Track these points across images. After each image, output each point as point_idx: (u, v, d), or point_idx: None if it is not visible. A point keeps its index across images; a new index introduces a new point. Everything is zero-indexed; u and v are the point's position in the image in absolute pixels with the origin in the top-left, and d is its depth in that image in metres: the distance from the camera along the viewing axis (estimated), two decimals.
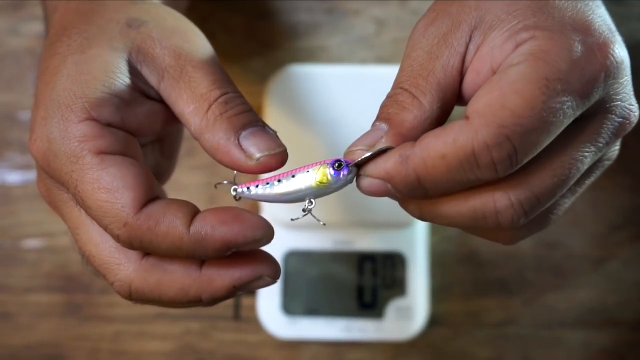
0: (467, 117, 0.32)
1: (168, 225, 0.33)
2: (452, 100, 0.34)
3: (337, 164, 0.34)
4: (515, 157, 0.31)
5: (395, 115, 0.33)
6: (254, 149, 0.34)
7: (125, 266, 0.35)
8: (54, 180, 0.36)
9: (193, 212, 0.33)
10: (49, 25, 0.40)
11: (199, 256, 0.33)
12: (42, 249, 0.61)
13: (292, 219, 0.36)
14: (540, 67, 0.31)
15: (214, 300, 0.35)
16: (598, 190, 0.59)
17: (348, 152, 0.34)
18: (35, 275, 0.60)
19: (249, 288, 0.35)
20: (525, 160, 0.32)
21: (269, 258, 0.35)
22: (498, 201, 0.33)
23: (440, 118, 0.34)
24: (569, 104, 0.31)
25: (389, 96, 0.34)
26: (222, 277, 0.34)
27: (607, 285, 0.59)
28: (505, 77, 0.31)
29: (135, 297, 0.35)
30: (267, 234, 0.33)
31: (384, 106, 0.34)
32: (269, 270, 0.35)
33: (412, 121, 0.33)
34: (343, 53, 0.62)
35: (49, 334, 0.60)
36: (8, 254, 0.61)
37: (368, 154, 0.33)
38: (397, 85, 0.34)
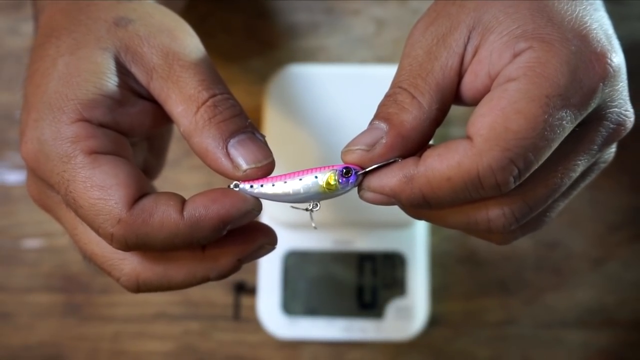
0: (469, 138, 0.32)
1: (162, 214, 0.33)
2: (450, 100, 0.34)
3: (345, 171, 0.34)
4: (519, 178, 0.32)
5: (394, 116, 0.33)
6: (242, 160, 0.34)
7: (129, 260, 0.35)
8: (45, 183, 0.36)
9: (182, 200, 0.34)
10: (37, 25, 0.40)
11: (197, 240, 0.34)
12: (42, 249, 0.61)
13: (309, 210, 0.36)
14: (540, 84, 0.31)
15: (221, 277, 0.36)
16: (597, 190, 0.59)
17: (347, 151, 0.34)
18: (35, 275, 0.60)
19: (252, 258, 0.36)
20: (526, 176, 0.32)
21: (264, 227, 0.36)
22: (491, 211, 0.34)
23: (438, 118, 0.34)
24: (569, 118, 0.31)
25: (387, 95, 0.34)
26: (225, 253, 0.35)
27: (607, 285, 0.59)
28: (505, 95, 0.31)
29: (143, 288, 0.36)
30: (257, 204, 0.34)
31: (382, 105, 0.34)
32: (268, 238, 0.36)
33: (411, 122, 0.33)
34: (343, 53, 0.62)
35: (49, 334, 0.60)
36: (8, 254, 0.61)
37: (377, 165, 0.33)
38: (396, 84, 0.34)
